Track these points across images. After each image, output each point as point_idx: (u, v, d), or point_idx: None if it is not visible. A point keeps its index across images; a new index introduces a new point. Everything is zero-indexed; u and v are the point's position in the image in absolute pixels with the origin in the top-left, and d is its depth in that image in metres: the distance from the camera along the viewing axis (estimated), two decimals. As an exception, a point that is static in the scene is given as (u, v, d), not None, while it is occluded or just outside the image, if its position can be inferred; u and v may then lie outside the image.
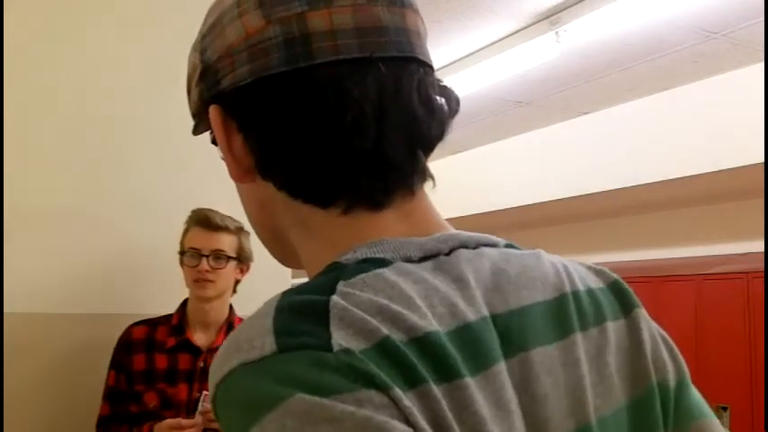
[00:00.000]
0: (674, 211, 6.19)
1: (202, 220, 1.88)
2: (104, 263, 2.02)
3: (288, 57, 0.52)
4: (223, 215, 1.89)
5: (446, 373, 0.45)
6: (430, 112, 0.55)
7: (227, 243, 1.88)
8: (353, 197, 0.54)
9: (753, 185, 4.75)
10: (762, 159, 4.18)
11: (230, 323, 1.91)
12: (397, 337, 0.45)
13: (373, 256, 0.51)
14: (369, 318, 0.45)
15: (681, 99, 5.20)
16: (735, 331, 5.17)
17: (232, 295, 1.94)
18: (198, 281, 1.85)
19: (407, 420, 0.41)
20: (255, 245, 2.15)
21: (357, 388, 0.41)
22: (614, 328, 0.58)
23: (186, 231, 1.91)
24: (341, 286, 0.47)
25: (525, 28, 4.23)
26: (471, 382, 0.46)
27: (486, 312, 0.51)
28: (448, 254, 0.54)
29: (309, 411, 0.39)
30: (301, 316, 0.45)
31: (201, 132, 0.63)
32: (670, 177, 5.15)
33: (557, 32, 4.07)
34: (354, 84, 0.52)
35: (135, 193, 2.09)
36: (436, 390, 0.43)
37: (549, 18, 4.08)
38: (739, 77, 4.81)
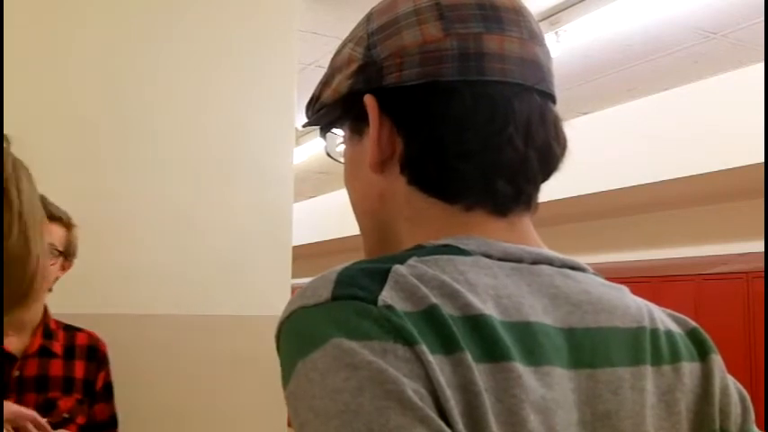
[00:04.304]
0: (674, 211, 6.19)
1: None
2: (104, 263, 2.02)
3: (461, 68, 0.58)
4: (55, 205, 1.68)
5: (492, 354, 0.49)
6: (561, 147, 0.62)
7: (58, 236, 1.69)
8: (482, 198, 0.59)
9: (753, 185, 4.75)
10: (762, 159, 4.18)
11: (46, 324, 1.70)
12: (449, 310, 0.49)
13: (455, 244, 0.56)
14: (422, 286, 0.50)
15: (681, 99, 5.20)
16: (735, 331, 5.17)
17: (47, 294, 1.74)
18: None
19: (427, 375, 0.45)
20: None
21: (387, 338, 0.46)
22: (690, 369, 0.60)
23: None
24: (411, 260, 0.52)
25: (525, 28, 4.22)
26: (521, 369, 0.49)
27: (546, 321, 0.54)
28: (531, 264, 0.58)
29: (338, 357, 0.45)
30: (364, 275, 0.50)
31: (318, 123, 0.68)
32: (670, 177, 5.15)
33: (557, 32, 4.07)
34: (518, 104, 0.59)
35: (135, 193, 2.09)
36: (472, 362, 0.47)
37: (549, 18, 4.08)
38: (739, 77, 4.81)
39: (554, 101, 0.63)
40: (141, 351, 2.05)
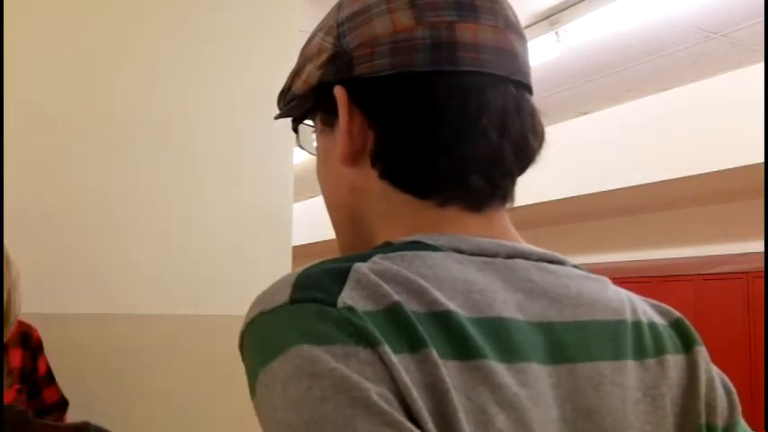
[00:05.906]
0: (673, 211, 6.19)
1: None
2: (105, 263, 2.02)
3: (433, 58, 0.56)
4: None
5: (461, 351, 0.47)
6: (538, 139, 0.61)
7: None
8: (456, 193, 0.57)
9: (752, 185, 4.75)
10: (762, 159, 4.18)
11: None
12: (413, 307, 0.47)
13: (424, 240, 0.54)
14: (383, 284, 0.48)
15: (681, 99, 5.20)
16: (735, 331, 5.17)
17: None
18: None
19: (392, 377, 0.43)
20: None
21: (348, 342, 0.44)
22: (674, 362, 0.59)
23: None
24: (375, 258, 0.51)
25: (525, 28, 4.17)
26: (493, 366, 0.48)
27: (520, 317, 0.52)
28: (506, 258, 0.56)
29: (299, 365, 0.44)
30: (324, 275, 0.49)
31: (289, 115, 0.66)
32: (670, 177, 5.15)
33: (557, 32, 4.07)
34: (492, 95, 0.56)
35: (135, 193, 2.09)
36: (439, 359, 0.45)
37: (549, 18, 4.07)
38: (739, 77, 4.81)
39: (530, 91, 0.61)
40: (141, 351, 2.05)
